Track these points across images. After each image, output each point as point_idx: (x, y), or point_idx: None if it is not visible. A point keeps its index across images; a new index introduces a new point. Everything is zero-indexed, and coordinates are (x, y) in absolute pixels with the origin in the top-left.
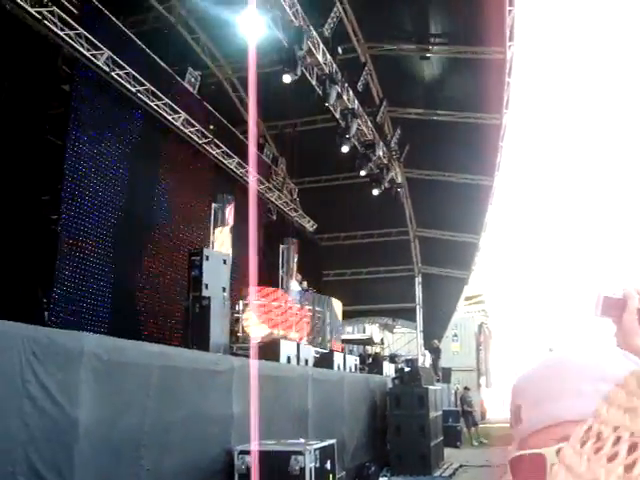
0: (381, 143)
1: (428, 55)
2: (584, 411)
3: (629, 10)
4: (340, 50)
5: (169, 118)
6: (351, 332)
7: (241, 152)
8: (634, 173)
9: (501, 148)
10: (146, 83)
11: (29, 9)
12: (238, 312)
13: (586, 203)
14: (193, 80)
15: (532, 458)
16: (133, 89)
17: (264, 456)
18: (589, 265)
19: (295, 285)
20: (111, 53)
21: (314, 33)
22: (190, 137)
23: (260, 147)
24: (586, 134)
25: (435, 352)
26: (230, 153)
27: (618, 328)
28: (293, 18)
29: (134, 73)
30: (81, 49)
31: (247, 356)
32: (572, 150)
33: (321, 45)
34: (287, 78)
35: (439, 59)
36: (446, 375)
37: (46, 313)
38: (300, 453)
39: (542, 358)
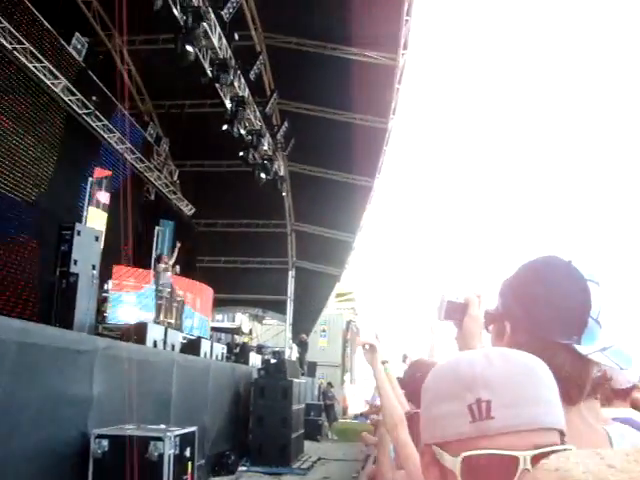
0: (267, 134)
1: (322, 52)
2: (556, 420)
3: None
4: (237, 36)
5: (48, 83)
6: (221, 320)
7: (122, 127)
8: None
9: (384, 152)
10: (25, 42)
11: None
12: (107, 291)
13: (448, 212)
14: (79, 46)
15: (503, 459)
16: (9, 46)
17: (122, 441)
18: (441, 270)
19: (162, 268)
20: None
21: (212, 15)
22: (69, 106)
23: (144, 125)
24: (466, 143)
25: (302, 346)
26: (112, 127)
27: (459, 331)
28: None
29: (11, 28)
30: None
31: (112, 337)
32: (449, 159)
33: (218, 28)
34: (184, 57)
35: (332, 58)
36: (311, 369)
37: None
38: (160, 439)
39: (507, 357)
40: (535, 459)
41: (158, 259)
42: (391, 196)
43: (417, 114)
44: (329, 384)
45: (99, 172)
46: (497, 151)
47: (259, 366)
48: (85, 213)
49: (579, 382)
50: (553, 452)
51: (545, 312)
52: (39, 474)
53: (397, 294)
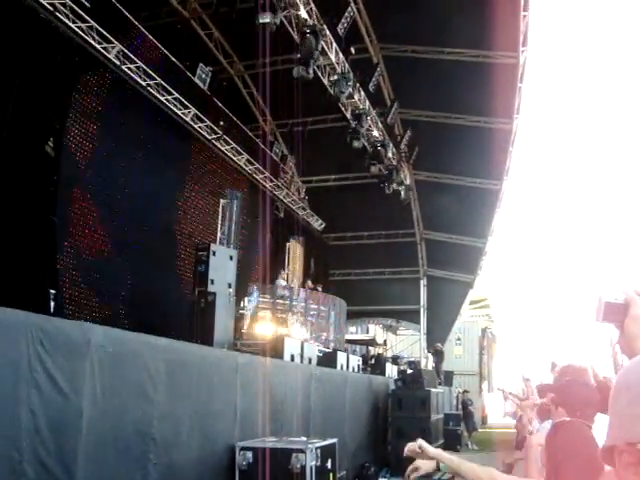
0: (391, 144)
1: (441, 58)
2: None
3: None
4: (353, 50)
5: (179, 113)
6: (355, 332)
7: (250, 149)
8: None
9: (511, 153)
10: (157, 77)
11: (42, 1)
12: (243, 309)
13: (593, 209)
14: (204, 76)
15: None
16: (143, 83)
17: (266, 453)
18: (593, 270)
19: (281, 282)
20: (122, 47)
21: (327, 32)
22: (199, 132)
23: (270, 145)
24: (595, 141)
25: (438, 355)
26: (239, 149)
27: (621, 333)
28: (307, 17)
29: (144, 67)
30: (92, 42)
31: (251, 353)
32: (581, 156)
33: (334, 44)
34: (300, 72)
35: (449, 62)
36: (448, 378)
37: (52, 303)
38: (302, 451)
39: None
40: None
41: (291, 274)
42: (526, 197)
43: (544, 113)
44: (465, 392)
45: (229, 194)
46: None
47: (395, 377)
48: (219, 234)
49: None
50: None
51: None
52: None
53: (536, 298)
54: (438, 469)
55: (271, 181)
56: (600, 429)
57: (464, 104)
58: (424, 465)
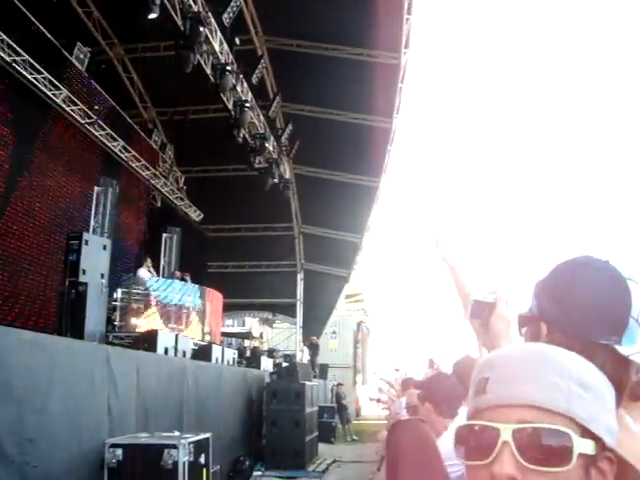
0: (272, 137)
1: (324, 54)
2: (556, 404)
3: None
4: (238, 41)
5: (49, 94)
6: (231, 325)
7: (128, 136)
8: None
9: (389, 151)
10: (23, 54)
11: None
12: (116, 300)
13: (467, 208)
14: (82, 56)
15: (485, 430)
16: (8, 58)
17: (136, 449)
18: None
19: (145, 273)
20: None
21: (212, 20)
22: (72, 116)
23: (148, 132)
24: (473, 142)
25: (313, 348)
26: (115, 136)
27: (485, 330)
28: (192, 3)
29: (9, 41)
30: None
31: (124, 346)
32: (458, 157)
33: (219, 33)
34: (187, 66)
35: (334, 59)
36: (323, 372)
37: None
38: (174, 447)
39: (524, 345)
40: (517, 433)
41: (167, 266)
42: (401, 194)
43: (422, 113)
44: (339, 385)
45: (104, 181)
46: (507, 146)
47: (271, 370)
48: (92, 222)
49: (619, 384)
50: (538, 429)
51: (584, 313)
52: None
53: (411, 294)
54: None
55: (148, 170)
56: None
57: (346, 101)
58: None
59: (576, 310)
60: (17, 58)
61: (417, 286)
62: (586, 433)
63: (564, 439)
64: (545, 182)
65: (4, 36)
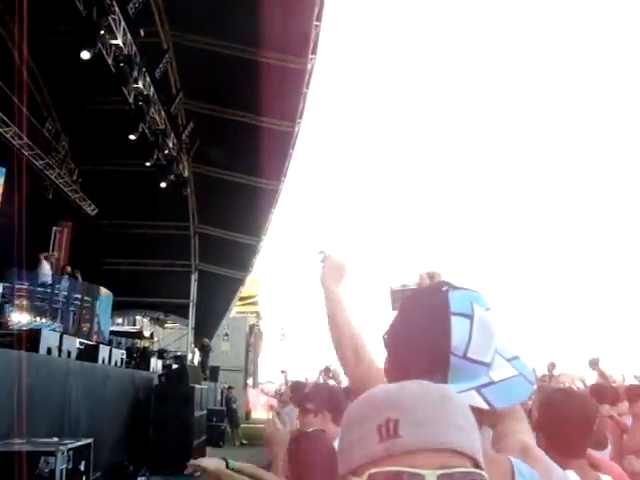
0: (172, 134)
1: (229, 53)
2: (465, 445)
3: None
4: (142, 32)
5: None
6: (121, 324)
7: (20, 122)
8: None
9: (290, 155)
10: None
11: None
12: None
13: (363, 211)
14: None
15: (407, 476)
16: None
17: (9, 456)
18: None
19: (46, 269)
20: None
21: (117, 9)
22: None
23: (42, 120)
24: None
25: (205, 350)
26: (7, 121)
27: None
28: None
29: None
30: None
31: (3, 345)
32: (361, 160)
33: (122, 23)
34: (85, 54)
35: (241, 60)
36: (214, 374)
37: None
38: (51, 454)
39: (422, 384)
40: (441, 478)
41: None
42: (299, 197)
43: (326, 117)
44: (230, 388)
45: None
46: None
47: (160, 371)
48: None
49: None
50: (460, 473)
51: (405, 352)
52: None
53: (305, 296)
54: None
55: (41, 159)
56: None
57: (250, 103)
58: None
59: (399, 349)
60: None
61: (311, 292)
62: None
63: None
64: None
65: None
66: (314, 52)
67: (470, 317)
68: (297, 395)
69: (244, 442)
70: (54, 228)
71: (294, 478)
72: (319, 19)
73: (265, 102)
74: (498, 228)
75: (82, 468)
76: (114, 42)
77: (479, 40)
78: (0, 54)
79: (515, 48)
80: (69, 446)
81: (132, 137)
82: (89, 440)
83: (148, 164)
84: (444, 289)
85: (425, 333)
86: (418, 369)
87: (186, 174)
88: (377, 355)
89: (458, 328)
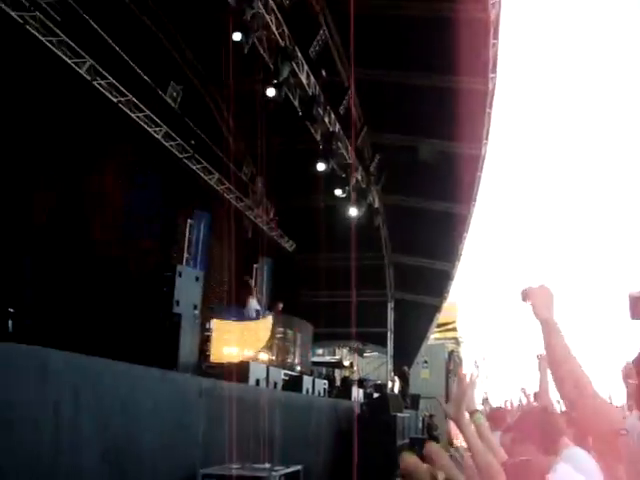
0: (360, 167)
1: (408, 82)
2: None
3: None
4: (324, 73)
5: (150, 131)
6: (321, 354)
7: (220, 169)
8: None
9: (479, 178)
10: (128, 94)
11: (11, 13)
12: (209, 330)
13: (563, 227)
14: (175, 94)
15: None
16: (114, 99)
17: None
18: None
19: (254, 304)
20: (94, 62)
21: (299, 54)
22: (170, 151)
23: (239, 165)
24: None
25: (404, 378)
26: (210, 169)
27: None
28: (279, 38)
29: (116, 83)
30: (63, 56)
31: (216, 377)
32: (549, 175)
33: (305, 66)
34: (271, 92)
35: (419, 87)
36: (415, 402)
37: (10, 322)
38: (265, 479)
39: None
40: None
41: (260, 296)
42: (490, 222)
43: (511, 139)
44: (431, 416)
45: (198, 213)
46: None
47: (361, 400)
48: (186, 254)
49: None
50: None
51: None
52: None
53: (504, 321)
54: None
55: (241, 201)
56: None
57: (433, 128)
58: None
59: None
60: (122, 99)
61: (509, 318)
62: None
63: None
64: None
65: (111, 78)
66: (494, 71)
67: None
68: (496, 424)
69: None
70: (255, 265)
71: None
72: (496, 37)
73: (448, 127)
74: None
75: None
76: (298, 84)
77: None
78: (199, 109)
79: None
80: (280, 472)
81: (321, 169)
82: (298, 467)
83: (339, 197)
84: None
85: None
86: None
87: (377, 205)
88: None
89: None
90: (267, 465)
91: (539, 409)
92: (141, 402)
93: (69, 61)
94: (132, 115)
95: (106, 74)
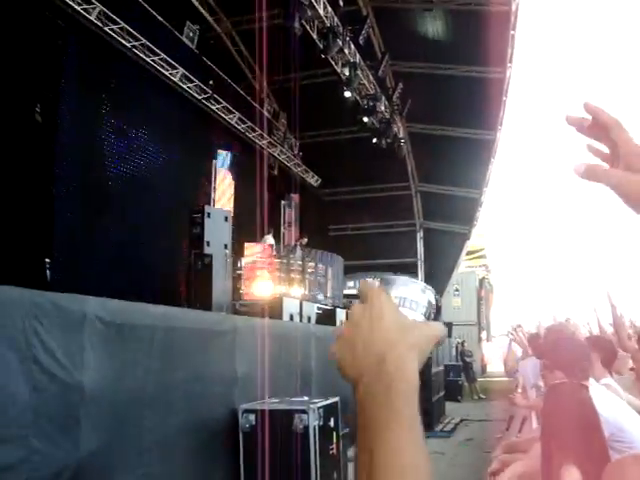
0: (383, 97)
1: (431, 7)
2: None
3: None
4: (341, 3)
5: (166, 74)
6: (352, 287)
7: (241, 108)
8: None
9: (504, 102)
10: (142, 38)
11: None
12: (240, 269)
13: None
14: (191, 35)
15: None
16: (128, 44)
17: (268, 415)
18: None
19: (270, 240)
20: (103, 7)
21: None
22: (189, 93)
23: (261, 102)
24: (590, 83)
25: (437, 307)
26: (230, 108)
27: None
28: None
29: (129, 28)
30: (72, 3)
31: (249, 314)
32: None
33: None
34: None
35: (441, 11)
36: (448, 330)
37: (48, 272)
38: (304, 412)
39: None
40: None
41: (287, 233)
42: (524, 147)
43: (537, 61)
44: (464, 342)
45: (222, 153)
46: None
47: None
48: (213, 195)
49: None
50: None
51: None
52: (195, 449)
53: (533, 246)
54: None
55: (264, 139)
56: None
57: (455, 53)
58: None
59: None
60: (135, 43)
61: (540, 239)
62: None
63: None
64: None
65: (123, 23)
66: None
67: None
68: (536, 349)
69: (482, 396)
70: (282, 202)
71: (545, 430)
72: None
73: (472, 50)
74: None
75: (332, 424)
76: (316, 16)
77: None
78: (217, 49)
79: None
80: (319, 404)
81: (347, 95)
82: (336, 398)
83: (363, 127)
84: None
85: None
86: None
87: (401, 134)
88: None
89: None
90: (305, 398)
91: (567, 336)
92: (178, 343)
93: (78, 7)
94: (147, 59)
95: (117, 19)
